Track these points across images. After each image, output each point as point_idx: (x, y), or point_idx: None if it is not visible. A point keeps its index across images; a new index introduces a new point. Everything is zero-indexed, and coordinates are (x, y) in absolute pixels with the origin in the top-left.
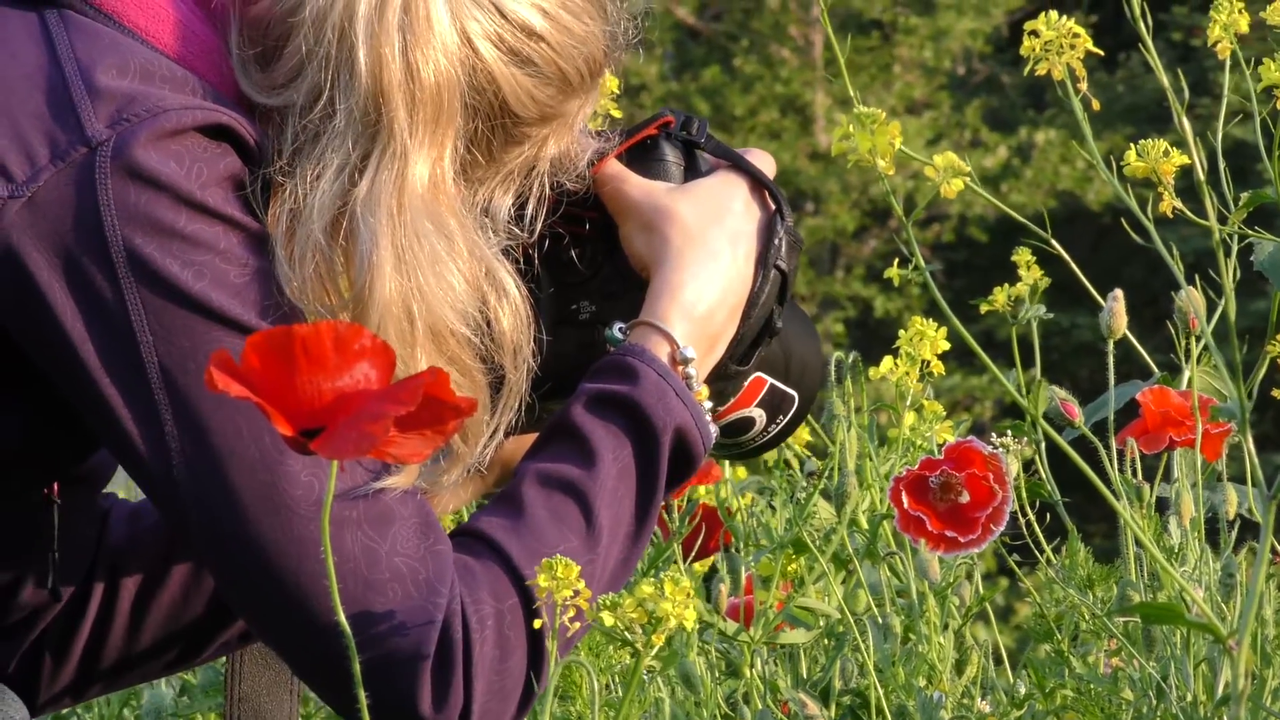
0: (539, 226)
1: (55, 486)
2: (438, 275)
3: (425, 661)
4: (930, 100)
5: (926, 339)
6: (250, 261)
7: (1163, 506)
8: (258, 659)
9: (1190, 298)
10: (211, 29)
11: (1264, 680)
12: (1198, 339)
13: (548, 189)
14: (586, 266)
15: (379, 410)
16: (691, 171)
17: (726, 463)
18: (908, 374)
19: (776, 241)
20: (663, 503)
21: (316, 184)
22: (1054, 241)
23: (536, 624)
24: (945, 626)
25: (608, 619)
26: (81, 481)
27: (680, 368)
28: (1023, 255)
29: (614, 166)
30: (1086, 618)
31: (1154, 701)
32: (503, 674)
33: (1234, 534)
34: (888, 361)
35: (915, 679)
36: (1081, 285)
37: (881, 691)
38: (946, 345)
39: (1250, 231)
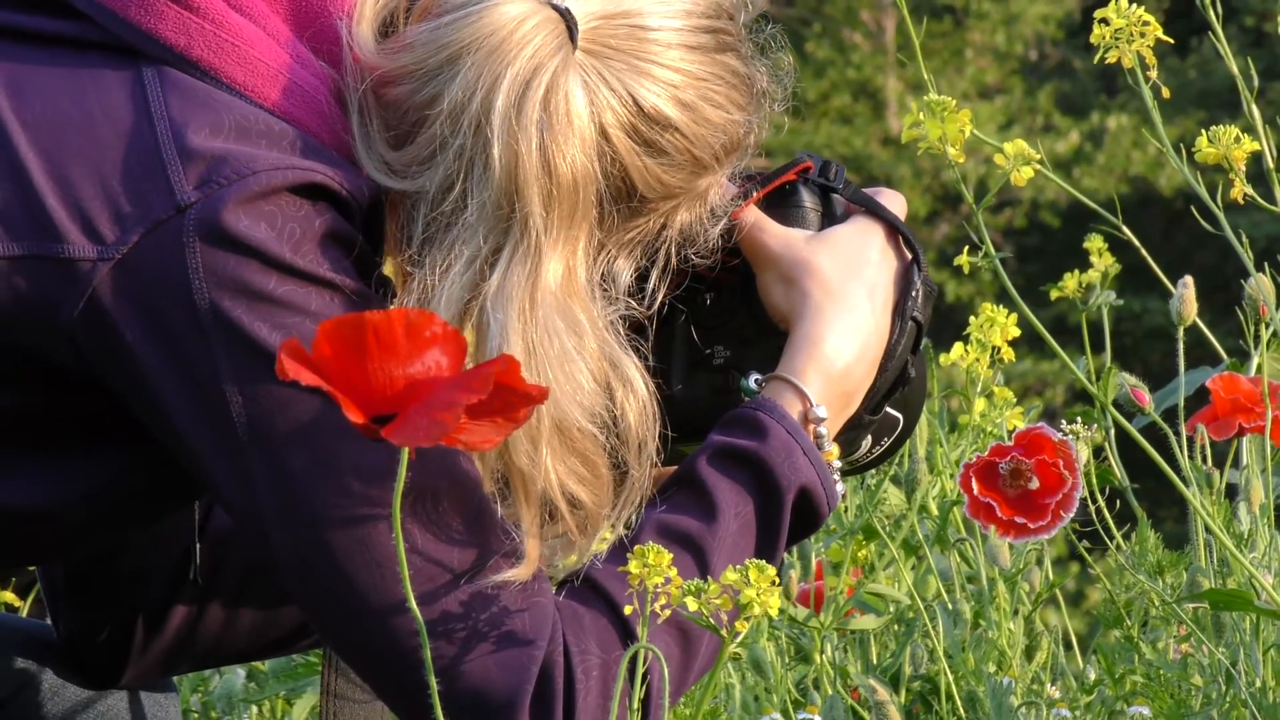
0: (659, 298)
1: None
2: (567, 374)
3: (521, 709)
4: (1002, 85)
5: (997, 325)
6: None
7: (1232, 493)
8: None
9: (1260, 284)
10: (326, 87)
11: None
12: (1267, 325)
13: (673, 259)
14: (723, 310)
15: (450, 398)
16: (828, 217)
17: None
18: (978, 360)
19: (914, 293)
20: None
21: (446, 275)
22: (1124, 228)
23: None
24: (1015, 612)
25: (692, 605)
26: None
27: (811, 426)
28: (1094, 242)
29: (753, 213)
30: (1156, 604)
31: (1223, 687)
32: None
33: None
34: (958, 348)
35: (985, 665)
36: (1153, 271)
37: (951, 677)
38: (1017, 332)
39: None
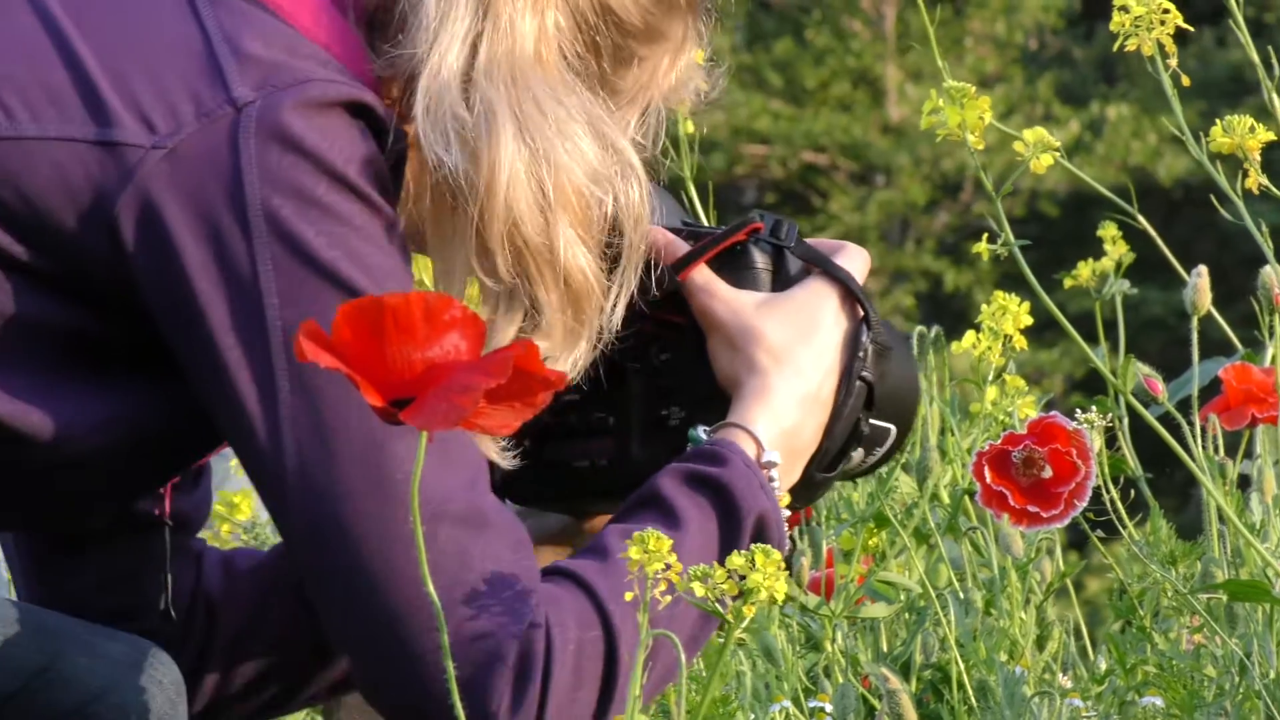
0: (618, 320)
1: (167, 507)
2: (563, 138)
3: (505, 666)
4: (1002, 74)
5: (1009, 313)
6: (383, 244)
7: (1244, 483)
8: (353, 712)
9: (1275, 273)
10: (346, 21)
11: None
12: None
13: (633, 285)
14: (678, 370)
15: (469, 381)
16: (780, 275)
17: None
18: (990, 349)
19: (861, 355)
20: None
21: (444, 60)
22: (1139, 216)
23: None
24: (1027, 602)
25: (699, 590)
26: (181, 525)
27: (764, 470)
28: (1108, 230)
29: (703, 275)
30: (1169, 594)
31: (1236, 678)
32: (574, 703)
33: None
34: (970, 336)
35: (996, 654)
36: (1152, 260)
37: (963, 666)
38: (1029, 320)
39: None
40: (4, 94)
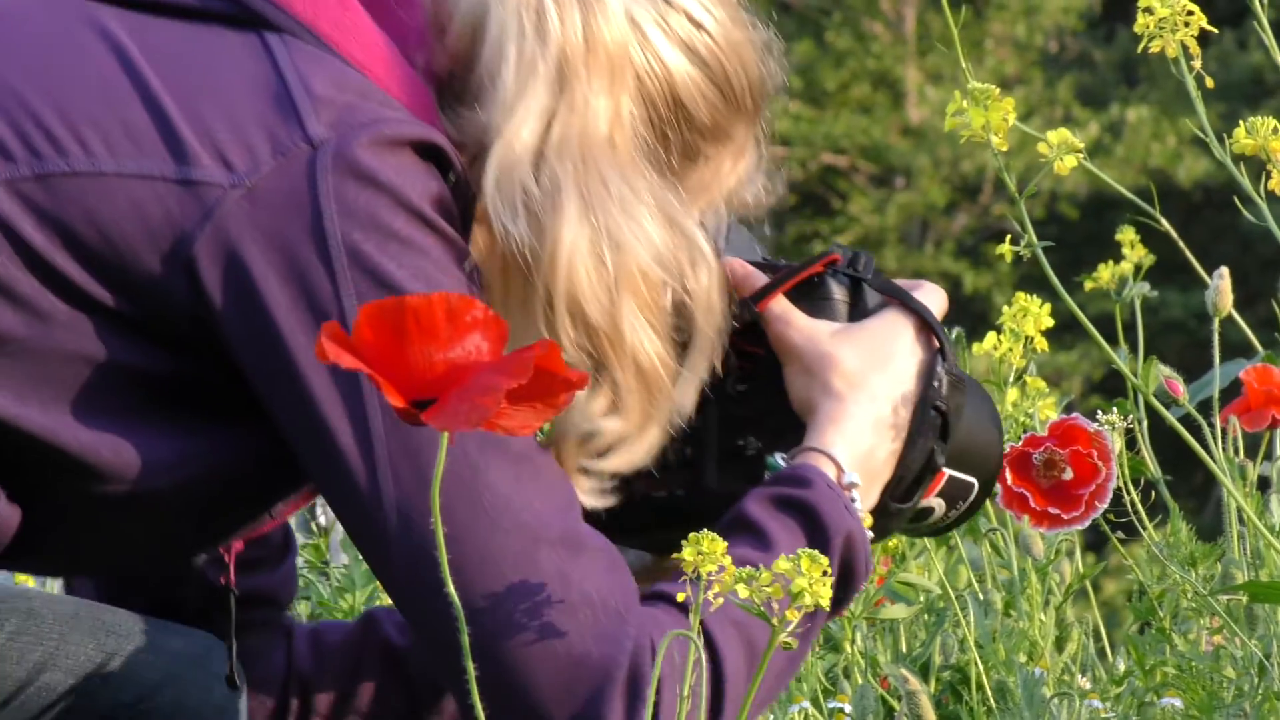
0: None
1: (232, 574)
2: (628, 218)
3: (616, 686)
4: (1022, 76)
5: (1030, 315)
6: (460, 276)
7: (1264, 485)
8: None
9: None
10: (422, 78)
11: None
12: None
13: (705, 373)
14: (753, 401)
15: (491, 382)
16: (857, 308)
17: None
18: (1010, 350)
19: (936, 384)
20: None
21: (518, 134)
22: (1162, 219)
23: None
24: (1046, 603)
25: (743, 592)
26: (267, 602)
27: (846, 490)
28: (1127, 234)
29: (780, 305)
30: (1189, 595)
31: (1256, 680)
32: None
33: None
34: (990, 337)
35: (1016, 655)
36: (1170, 262)
37: (982, 667)
38: (1050, 322)
39: None
40: (83, 130)
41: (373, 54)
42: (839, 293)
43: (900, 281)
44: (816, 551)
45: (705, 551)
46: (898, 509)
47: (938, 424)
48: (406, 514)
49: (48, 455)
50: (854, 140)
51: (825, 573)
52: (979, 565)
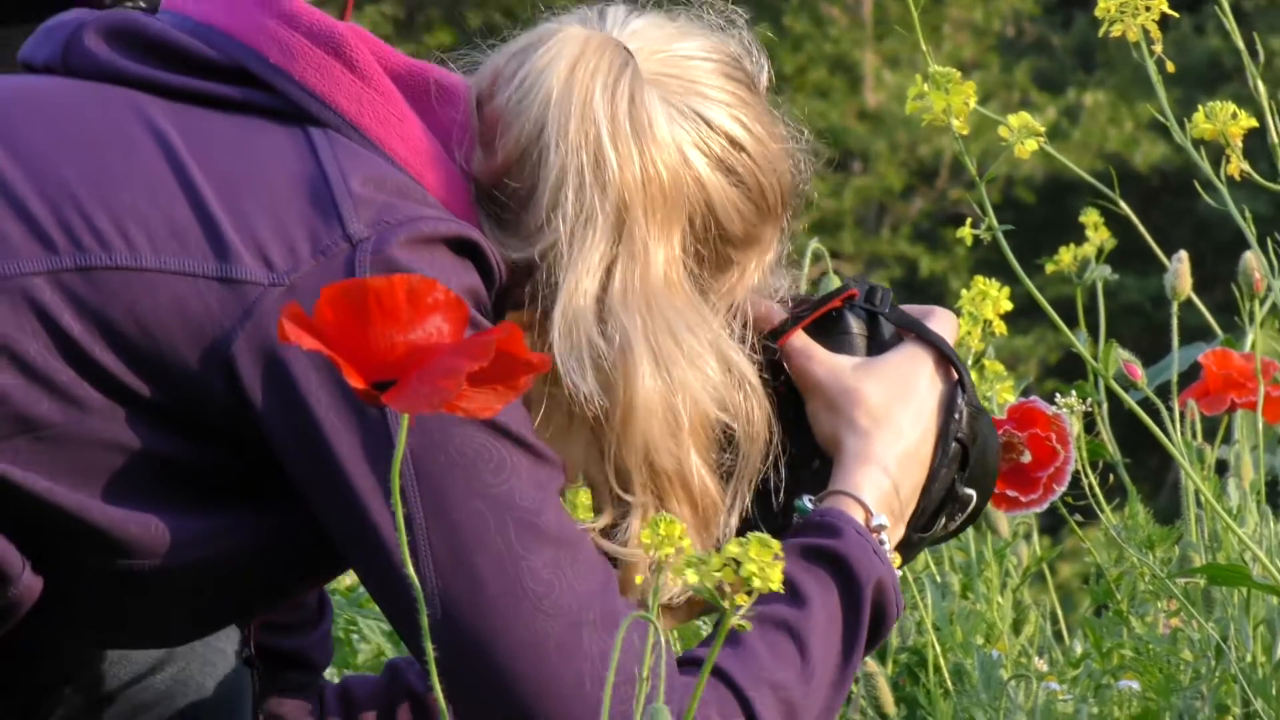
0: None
1: (254, 648)
2: (695, 368)
3: None
4: (979, 61)
5: (989, 298)
6: None
7: (1222, 468)
8: None
9: (1252, 261)
10: (460, 172)
11: None
12: (1261, 301)
13: (739, 333)
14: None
15: (452, 364)
16: (875, 340)
17: None
18: (969, 333)
19: (957, 416)
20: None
21: (579, 286)
22: (1120, 202)
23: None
24: (1003, 586)
25: (692, 577)
26: (301, 665)
27: (874, 534)
28: (1090, 216)
29: (800, 340)
30: (1147, 578)
31: (1213, 662)
32: None
33: None
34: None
35: (973, 637)
36: (1128, 247)
37: (939, 649)
38: (1009, 305)
39: None
40: (127, 225)
41: (414, 148)
42: (857, 327)
43: (911, 309)
44: (851, 596)
45: (663, 534)
46: (920, 539)
47: (959, 455)
48: (448, 602)
49: (77, 529)
50: (811, 124)
51: (776, 556)
52: (936, 548)
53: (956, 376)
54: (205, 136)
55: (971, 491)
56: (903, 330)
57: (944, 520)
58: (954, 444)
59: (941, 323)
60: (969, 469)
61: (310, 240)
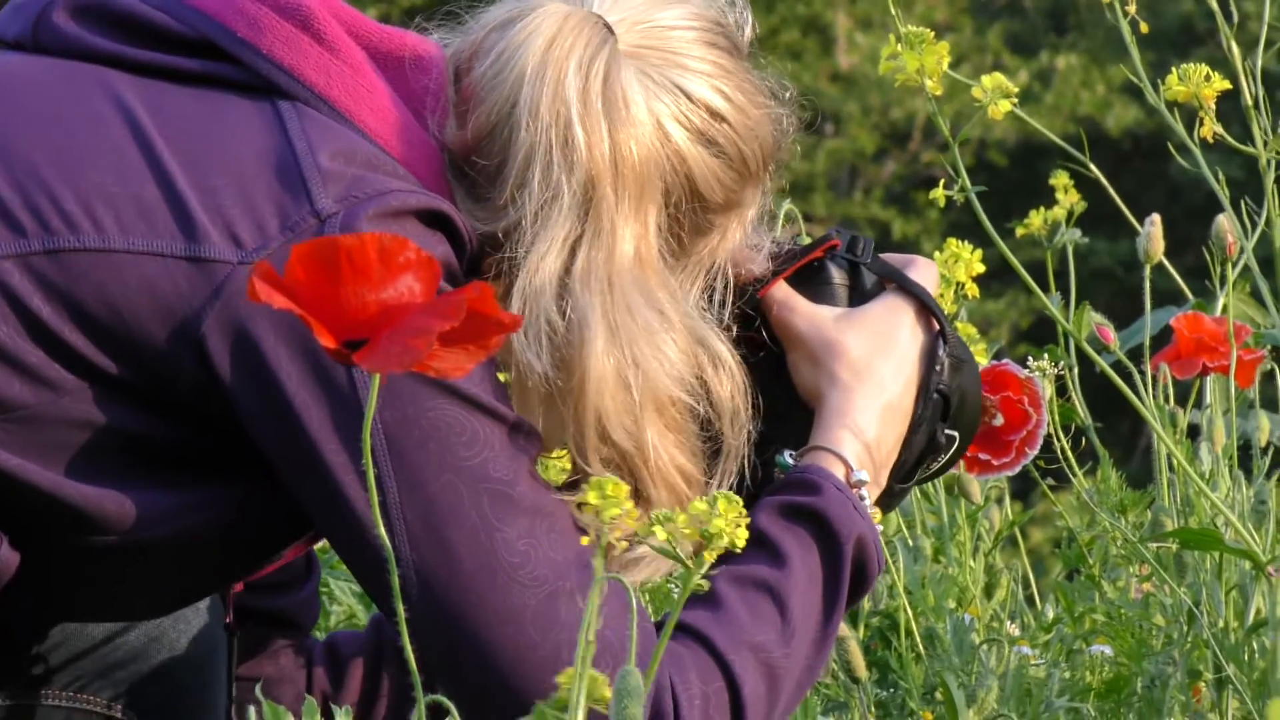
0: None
1: (232, 616)
2: (654, 346)
3: None
4: (952, 23)
5: (961, 261)
6: None
7: (1194, 432)
8: None
9: (1225, 225)
10: (434, 141)
11: None
12: (1234, 265)
13: (720, 294)
14: (756, 387)
15: (423, 324)
16: (857, 291)
17: None
18: (942, 296)
19: (938, 368)
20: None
21: (541, 265)
22: (1091, 165)
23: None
24: (975, 550)
25: (660, 534)
26: (287, 625)
27: (854, 490)
28: (1060, 179)
29: (781, 291)
30: (1119, 543)
31: (1185, 627)
32: None
33: (1267, 461)
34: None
35: (945, 602)
36: (1099, 211)
37: (911, 614)
38: (982, 268)
39: None
40: (95, 206)
41: (384, 120)
42: (839, 277)
43: (892, 257)
44: (832, 553)
45: (609, 496)
46: (901, 489)
47: (940, 406)
48: (424, 576)
49: (51, 506)
50: (783, 85)
51: (741, 514)
52: (908, 512)
53: (938, 327)
54: (173, 112)
55: (954, 434)
56: (885, 280)
57: (925, 467)
58: (935, 395)
59: (923, 272)
60: (950, 419)
61: (279, 217)
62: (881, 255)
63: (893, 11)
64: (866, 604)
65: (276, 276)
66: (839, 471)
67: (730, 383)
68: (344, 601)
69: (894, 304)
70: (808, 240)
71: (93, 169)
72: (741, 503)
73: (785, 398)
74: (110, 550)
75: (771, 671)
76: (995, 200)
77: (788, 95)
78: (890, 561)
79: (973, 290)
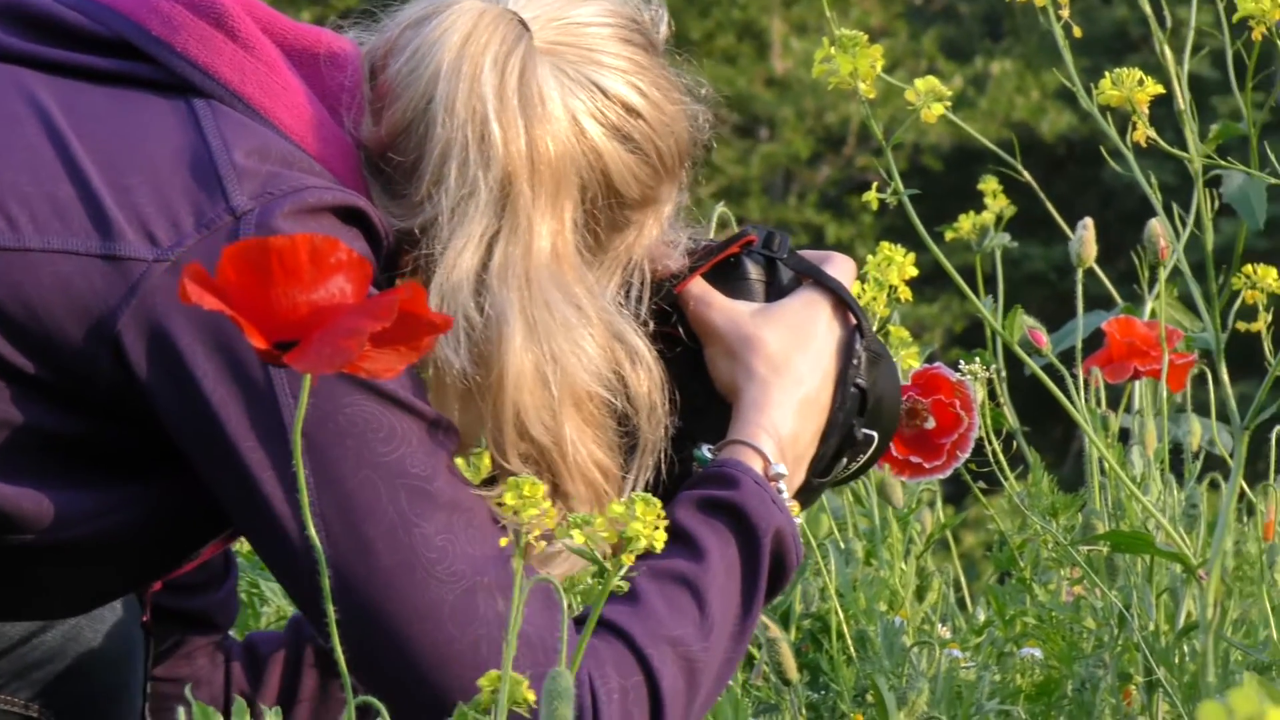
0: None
1: (149, 616)
2: (571, 341)
3: None
4: (887, 28)
5: (894, 264)
6: None
7: (1125, 436)
8: None
9: (1157, 229)
10: (349, 138)
11: (1225, 610)
12: (1165, 269)
13: (636, 290)
14: (673, 382)
15: (354, 325)
16: (773, 286)
17: None
18: (875, 299)
19: (855, 361)
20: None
21: (458, 261)
22: (1023, 171)
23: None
24: (907, 553)
25: (578, 537)
26: (205, 624)
27: (772, 483)
28: (989, 184)
29: (698, 286)
30: (1050, 546)
31: (1115, 630)
32: None
33: (1198, 466)
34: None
35: (876, 604)
36: (1032, 216)
37: (842, 616)
38: (914, 271)
39: (1222, 163)
40: (9, 205)
41: (300, 117)
42: (755, 272)
43: (810, 254)
44: (750, 547)
45: (526, 496)
46: (819, 484)
47: (857, 400)
48: (342, 572)
49: None
50: (718, 90)
51: (660, 516)
52: (840, 514)
53: (855, 321)
54: (88, 111)
55: (873, 434)
56: (801, 275)
57: (844, 463)
58: (853, 389)
59: (839, 268)
60: (868, 413)
61: (194, 214)
62: (798, 251)
63: (828, 15)
64: (798, 606)
65: (207, 277)
66: (757, 465)
67: (648, 378)
68: (274, 602)
69: (811, 299)
70: (724, 237)
71: (7, 168)
72: (660, 505)
73: (703, 392)
74: (28, 549)
75: (690, 665)
76: (930, 205)
77: (704, 92)
78: (822, 564)
79: (906, 294)
